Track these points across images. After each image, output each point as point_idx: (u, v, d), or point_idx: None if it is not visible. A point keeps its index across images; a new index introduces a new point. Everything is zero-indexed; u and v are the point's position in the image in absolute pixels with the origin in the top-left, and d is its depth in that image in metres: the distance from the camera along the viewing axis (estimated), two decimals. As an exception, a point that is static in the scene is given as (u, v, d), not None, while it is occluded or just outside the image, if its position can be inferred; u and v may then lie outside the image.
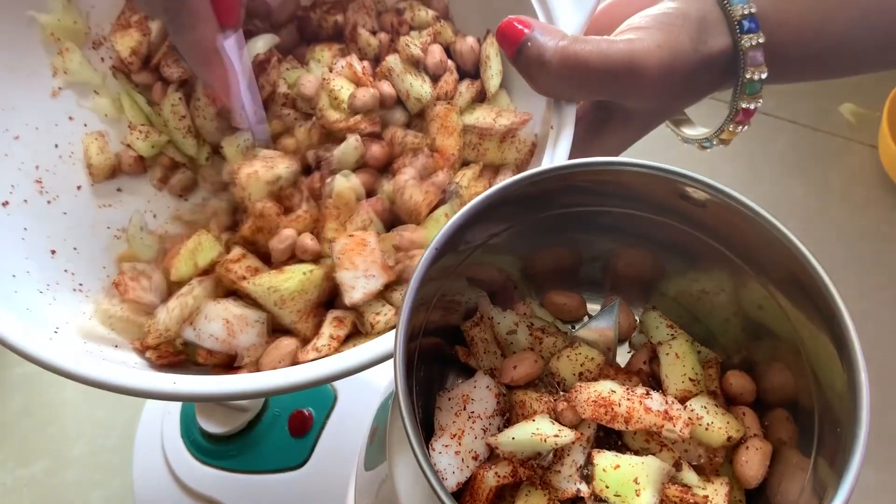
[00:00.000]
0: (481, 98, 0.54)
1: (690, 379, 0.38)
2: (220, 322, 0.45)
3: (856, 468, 0.31)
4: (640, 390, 0.36)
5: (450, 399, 0.39)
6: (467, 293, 0.41)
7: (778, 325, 0.38)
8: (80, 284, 0.50)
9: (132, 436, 0.60)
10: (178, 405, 0.58)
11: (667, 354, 0.39)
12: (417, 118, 0.53)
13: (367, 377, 0.58)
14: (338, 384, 0.58)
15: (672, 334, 0.40)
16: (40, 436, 0.66)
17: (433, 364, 0.40)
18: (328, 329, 0.45)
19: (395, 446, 0.38)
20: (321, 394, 0.58)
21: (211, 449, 0.57)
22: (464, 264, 0.39)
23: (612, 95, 0.46)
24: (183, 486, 0.56)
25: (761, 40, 0.44)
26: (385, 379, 0.53)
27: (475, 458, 0.37)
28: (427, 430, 0.38)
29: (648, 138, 0.50)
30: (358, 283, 0.45)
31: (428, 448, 0.37)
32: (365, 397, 0.58)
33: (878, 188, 0.84)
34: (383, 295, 0.46)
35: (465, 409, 0.38)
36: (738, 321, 0.40)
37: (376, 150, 0.50)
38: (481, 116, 0.52)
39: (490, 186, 0.43)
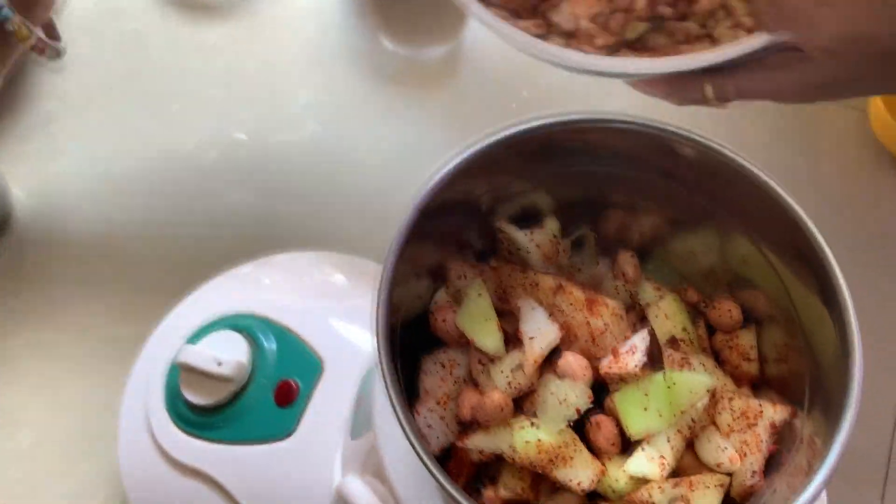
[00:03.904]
0: None
1: (681, 339, 0.38)
2: None
3: (847, 428, 0.31)
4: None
5: (436, 363, 0.38)
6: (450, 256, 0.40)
7: (769, 289, 0.37)
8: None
9: (118, 410, 0.59)
10: (162, 376, 0.57)
11: (656, 316, 0.38)
12: None
13: (354, 346, 0.57)
14: (324, 353, 0.57)
15: (660, 295, 0.39)
16: (25, 409, 0.65)
17: (420, 327, 0.39)
18: None
19: (380, 413, 0.37)
20: (307, 364, 0.57)
21: (196, 420, 0.56)
22: (444, 224, 0.38)
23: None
24: (168, 457, 0.55)
25: None
26: (371, 348, 0.53)
27: (461, 423, 0.36)
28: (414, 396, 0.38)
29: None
30: None
31: (413, 412, 0.36)
32: (352, 367, 0.57)
33: (868, 152, 0.83)
34: None
35: (451, 373, 0.37)
36: (726, 281, 0.39)
37: None
38: None
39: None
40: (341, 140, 0.67)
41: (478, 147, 0.35)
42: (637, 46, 0.38)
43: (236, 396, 0.55)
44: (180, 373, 0.55)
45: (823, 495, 0.40)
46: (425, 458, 0.30)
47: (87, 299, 0.62)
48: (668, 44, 0.38)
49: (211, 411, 0.55)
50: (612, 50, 0.38)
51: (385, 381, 0.31)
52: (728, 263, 0.39)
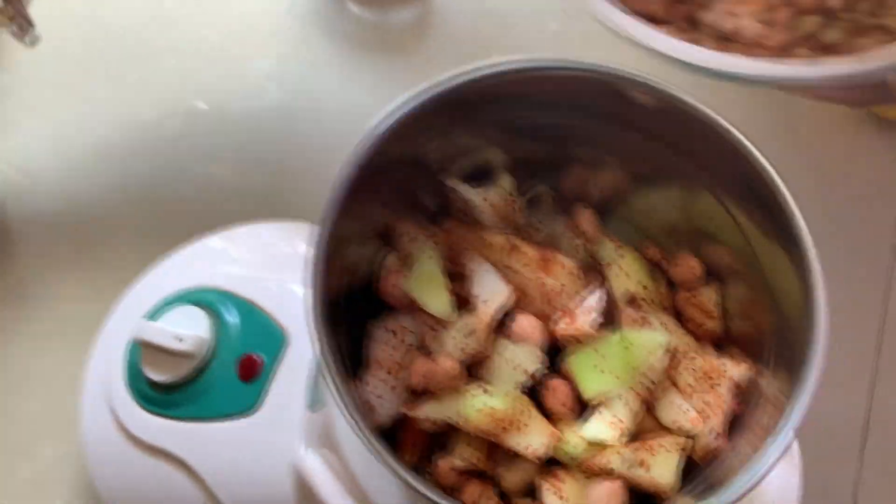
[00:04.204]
0: None
1: (642, 298, 0.36)
2: None
3: (812, 384, 0.29)
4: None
5: (385, 330, 0.36)
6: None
7: (733, 243, 0.35)
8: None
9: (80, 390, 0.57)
10: (123, 354, 0.56)
11: (615, 275, 0.37)
12: None
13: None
14: (289, 326, 0.55)
15: (620, 252, 0.37)
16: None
17: (372, 293, 0.38)
18: None
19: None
20: (271, 337, 0.55)
21: (159, 398, 0.54)
22: (392, 184, 0.36)
23: None
24: (131, 437, 0.54)
25: None
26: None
27: (412, 392, 0.35)
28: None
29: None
30: None
31: (361, 382, 0.35)
32: (316, 338, 0.55)
33: (846, 109, 0.81)
34: None
35: (401, 341, 0.36)
36: (689, 237, 0.37)
37: None
38: None
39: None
40: (306, 107, 0.65)
41: (418, 99, 0.33)
42: (812, 46, 0.34)
43: (198, 373, 0.54)
44: (140, 350, 0.54)
45: (797, 455, 0.39)
46: (362, 430, 0.28)
47: (48, 277, 0.61)
48: (845, 39, 0.34)
49: (173, 388, 0.54)
50: (785, 51, 0.33)
51: (320, 350, 0.29)
52: (691, 219, 0.37)
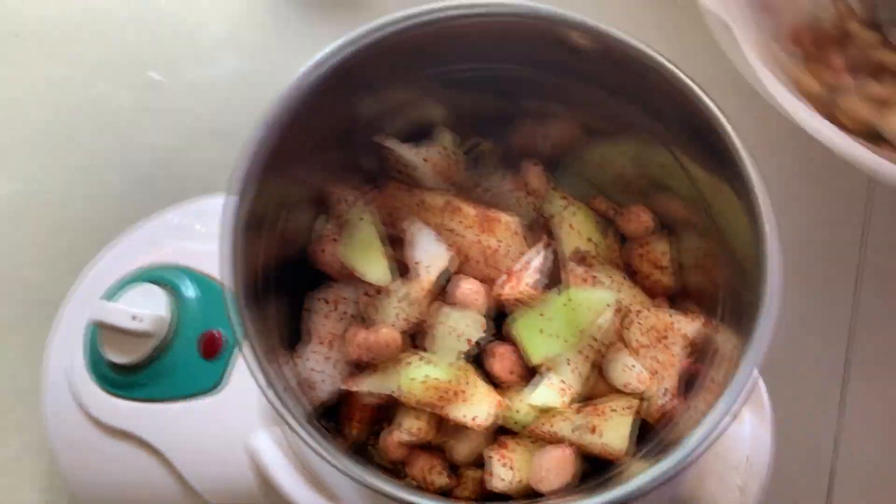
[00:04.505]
0: None
1: (591, 254, 0.34)
2: None
3: (768, 329, 0.27)
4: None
5: (321, 300, 0.34)
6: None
7: (684, 192, 0.33)
8: None
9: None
10: (82, 337, 0.54)
11: (562, 229, 0.35)
12: None
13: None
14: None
15: (570, 209, 0.35)
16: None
17: (302, 266, 0.36)
18: None
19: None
20: (232, 312, 0.54)
21: (120, 380, 0.53)
22: (321, 144, 0.34)
23: None
24: (95, 421, 0.53)
25: None
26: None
27: (353, 364, 0.33)
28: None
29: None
30: None
31: (295, 356, 0.33)
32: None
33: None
34: None
35: (337, 311, 0.34)
36: (640, 187, 0.35)
37: None
38: None
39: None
40: (265, 72, 0.63)
41: (344, 51, 0.30)
42: None
43: (159, 352, 0.53)
44: (99, 332, 0.52)
45: (768, 409, 0.37)
46: (285, 416, 0.26)
47: (6, 262, 0.59)
48: None
49: (134, 369, 0.53)
50: None
51: (239, 333, 0.27)
52: (642, 170, 0.35)
